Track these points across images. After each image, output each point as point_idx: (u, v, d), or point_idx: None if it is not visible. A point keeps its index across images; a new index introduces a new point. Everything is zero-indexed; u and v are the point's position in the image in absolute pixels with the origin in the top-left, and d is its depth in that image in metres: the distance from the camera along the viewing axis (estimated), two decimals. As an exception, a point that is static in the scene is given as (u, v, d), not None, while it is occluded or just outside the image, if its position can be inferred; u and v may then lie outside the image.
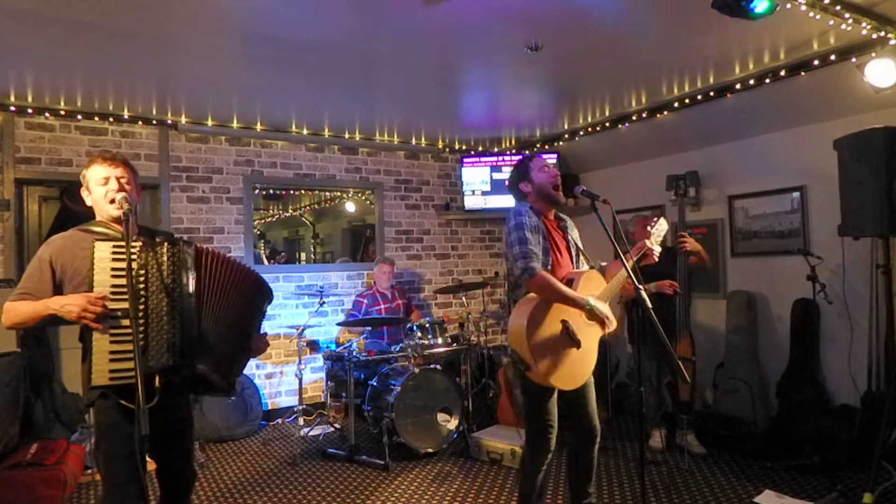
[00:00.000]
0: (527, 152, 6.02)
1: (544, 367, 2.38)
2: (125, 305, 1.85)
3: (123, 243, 1.90)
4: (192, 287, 2.02)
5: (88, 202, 2.14)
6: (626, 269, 2.35)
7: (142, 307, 1.92)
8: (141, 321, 1.91)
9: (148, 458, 2.08)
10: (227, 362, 2.14)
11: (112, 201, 2.04)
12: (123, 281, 1.87)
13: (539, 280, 2.43)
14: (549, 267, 2.56)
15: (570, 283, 2.54)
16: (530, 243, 2.48)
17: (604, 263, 2.74)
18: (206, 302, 2.06)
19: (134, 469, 1.84)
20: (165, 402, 1.91)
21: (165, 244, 2.02)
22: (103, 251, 1.90)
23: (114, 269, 1.89)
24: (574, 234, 2.77)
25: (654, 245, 2.66)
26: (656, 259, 2.66)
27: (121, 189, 2.06)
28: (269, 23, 3.09)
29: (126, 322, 1.85)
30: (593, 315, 2.48)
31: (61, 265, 1.98)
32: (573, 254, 2.70)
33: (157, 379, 1.92)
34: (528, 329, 2.38)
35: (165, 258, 1.99)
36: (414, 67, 3.83)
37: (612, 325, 2.51)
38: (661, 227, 2.76)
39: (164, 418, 2.00)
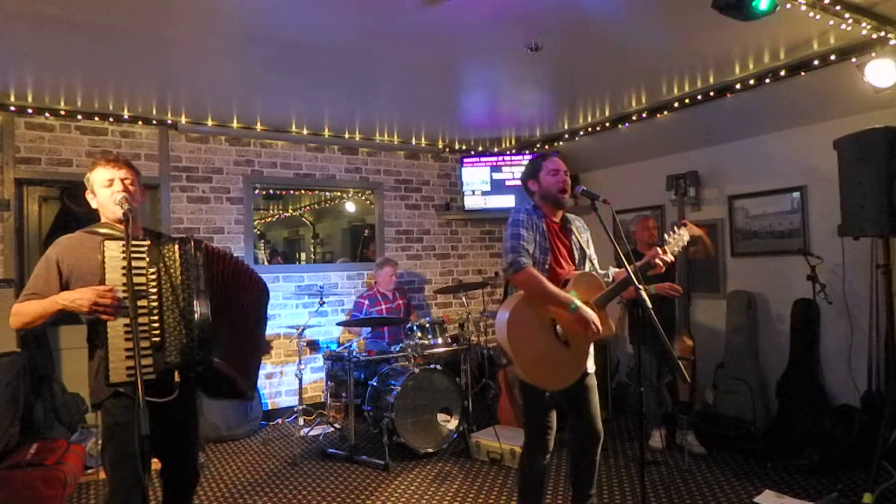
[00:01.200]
0: (527, 152, 6.02)
1: (525, 364, 2.41)
2: (139, 302, 1.89)
3: (134, 242, 1.94)
4: (203, 285, 2.05)
5: (94, 205, 2.17)
6: (627, 270, 2.34)
7: (156, 304, 1.96)
8: (156, 317, 1.95)
9: (153, 458, 2.10)
10: (242, 359, 2.18)
11: (115, 202, 2.06)
12: (136, 279, 1.89)
13: (524, 275, 2.44)
14: (548, 267, 2.55)
15: (564, 284, 2.53)
16: (523, 240, 2.50)
17: (613, 270, 2.71)
18: (218, 299, 2.10)
19: (139, 469, 1.85)
20: (174, 401, 1.92)
21: (176, 243, 2.05)
22: (113, 250, 1.93)
23: (125, 268, 1.91)
24: (585, 236, 2.73)
25: (669, 254, 2.55)
26: (662, 270, 2.58)
27: (125, 190, 2.09)
28: (270, 23, 3.09)
29: (142, 319, 1.89)
30: (578, 317, 2.42)
31: (68, 265, 2.00)
32: (578, 257, 2.67)
33: (175, 374, 1.94)
34: (511, 323, 2.40)
35: (177, 255, 2.03)
36: (414, 67, 3.82)
37: (597, 330, 2.44)
38: (681, 236, 2.66)
39: (172, 417, 2.02)
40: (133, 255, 1.90)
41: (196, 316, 2.00)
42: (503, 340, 2.42)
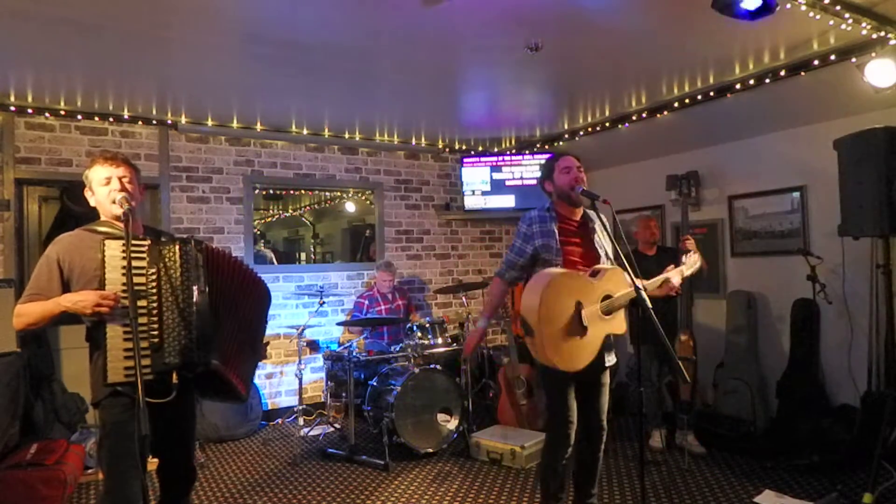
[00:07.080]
0: (527, 152, 6.01)
1: (546, 337, 2.32)
2: (139, 302, 1.89)
3: (134, 242, 1.93)
4: (204, 285, 2.04)
5: (92, 203, 2.16)
6: (627, 270, 2.35)
7: (155, 304, 1.95)
8: (155, 318, 1.94)
9: (150, 457, 2.09)
10: (240, 360, 2.18)
11: (114, 201, 2.05)
12: (136, 279, 1.89)
13: (494, 283, 2.84)
14: (561, 265, 2.57)
15: (595, 274, 2.51)
16: (516, 254, 2.70)
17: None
18: (218, 300, 2.09)
19: (135, 467, 1.84)
20: (172, 400, 1.92)
21: (177, 243, 2.05)
22: (114, 249, 1.93)
23: (125, 267, 1.90)
24: (606, 236, 2.74)
25: (678, 277, 2.64)
26: (673, 294, 2.66)
27: (122, 189, 2.08)
28: (270, 23, 3.09)
29: (141, 319, 1.88)
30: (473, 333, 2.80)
31: (69, 264, 2.00)
32: (598, 255, 2.66)
33: (174, 375, 1.94)
34: (545, 294, 2.32)
35: (177, 256, 2.02)
36: (414, 67, 3.82)
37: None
38: (692, 263, 2.77)
39: (170, 415, 2.01)
40: (133, 255, 1.90)
41: (195, 317, 1.99)
42: (532, 312, 2.33)
